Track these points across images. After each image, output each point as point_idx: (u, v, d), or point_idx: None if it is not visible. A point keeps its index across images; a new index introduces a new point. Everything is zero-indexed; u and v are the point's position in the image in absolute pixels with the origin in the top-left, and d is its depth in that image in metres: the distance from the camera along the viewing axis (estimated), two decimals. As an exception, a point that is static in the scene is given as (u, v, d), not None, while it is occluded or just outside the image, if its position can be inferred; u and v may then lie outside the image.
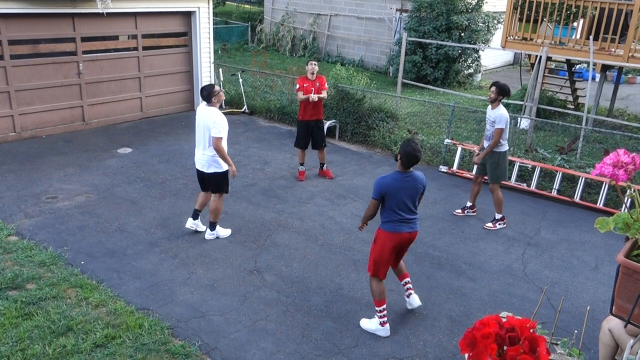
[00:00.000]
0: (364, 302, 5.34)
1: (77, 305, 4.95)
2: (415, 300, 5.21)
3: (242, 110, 12.14)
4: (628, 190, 1.99)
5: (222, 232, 6.53)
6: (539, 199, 8.27)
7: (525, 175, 8.66)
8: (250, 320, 4.95)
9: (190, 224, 6.53)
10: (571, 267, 6.27)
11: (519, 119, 10.48)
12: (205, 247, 6.23)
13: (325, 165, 8.70)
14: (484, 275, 5.97)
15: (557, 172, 8.28)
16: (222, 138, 5.93)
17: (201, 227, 6.59)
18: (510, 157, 8.74)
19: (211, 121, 5.88)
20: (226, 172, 6.23)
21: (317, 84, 8.24)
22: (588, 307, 3.12)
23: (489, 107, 7.06)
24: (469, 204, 7.49)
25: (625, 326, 1.82)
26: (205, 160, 6.11)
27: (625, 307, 1.77)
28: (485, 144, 7.10)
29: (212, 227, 6.42)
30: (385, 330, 4.87)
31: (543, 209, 7.90)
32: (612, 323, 3.44)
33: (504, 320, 1.46)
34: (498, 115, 6.83)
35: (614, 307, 1.84)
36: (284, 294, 5.40)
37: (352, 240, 6.58)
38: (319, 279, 5.68)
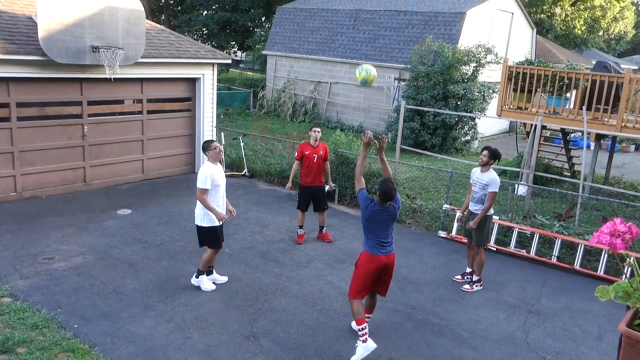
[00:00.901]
0: (363, 371, 5.19)
1: (67, 371, 4.80)
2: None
3: (243, 173, 12.27)
4: (627, 259, 2.00)
5: (207, 285, 6.63)
6: (539, 266, 8.21)
7: (524, 241, 8.65)
8: (245, 388, 4.78)
9: (209, 281, 6.75)
10: (574, 337, 6.14)
11: (516, 185, 10.58)
12: (202, 311, 6.12)
13: (324, 229, 8.69)
14: (485, 344, 5.84)
15: (556, 238, 8.27)
16: (206, 190, 6.22)
17: (220, 279, 6.85)
18: (508, 223, 8.77)
19: (198, 174, 6.30)
20: (213, 229, 6.43)
21: (321, 152, 8.36)
22: (593, 379, 3.05)
23: (477, 170, 7.14)
24: (468, 269, 7.44)
25: (631, 399, 1.78)
26: (197, 212, 6.46)
27: (630, 379, 1.74)
28: (472, 206, 7.13)
29: (198, 274, 6.65)
30: (370, 345, 5.25)
31: (543, 276, 7.83)
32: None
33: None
34: (492, 179, 6.90)
35: (618, 379, 1.81)
36: (281, 361, 5.25)
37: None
38: (317, 346, 5.55)
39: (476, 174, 7.15)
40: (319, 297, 6.64)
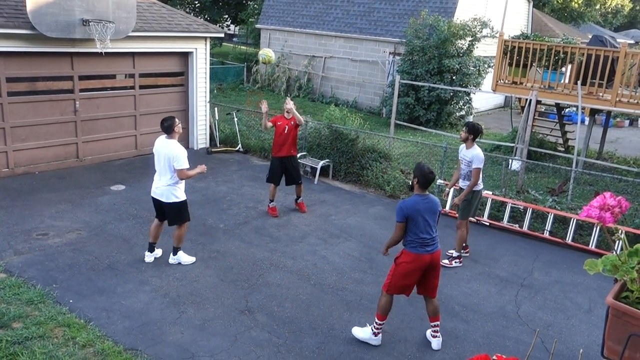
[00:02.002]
0: (357, 343, 5.26)
1: (63, 345, 4.85)
2: (436, 343, 5.32)
3: (237, 148, 12.23)
4: (616, 233, 2.02)
5: (185, 258, 6.66)
6: (531, 240, 8.29)
7: (517, 216, 8.71)
8: (240, 361, 4.85)
9: (149, 258, 6.69)
10: (564, 309, 6.24)
11: (510, 160, 10.61)
12: (197, 286, 6.16)
13: (300, 199, 8.75)
14: (477, 317, 5.93)
15: (548, 213, 8.33)
16: (186, 169, 6.19)
17: (158, 254, 6.79)
18: (501, 198, 8.82)
19: (173, 155, 6.14)
20: (184, 202, 6.42)
21: (292, 123, 8.31)
22: (581, 350, 3.11)
23: (463, 146, 7.13)
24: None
25: (616, 369, 1.81)
26: (163, 190, 6.30)
27: (616, 349, 1.77)
28: (461, 182, 7.17)
29: (175, 251, 6.63)
30: (377, 340, 5.21)
31: (535, 251, 7.91)
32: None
33: (494, 361, 1.46)
34: (475, 155, 6.89)
35: (605, 350, 1.84)
36: (276, 334, 5.32)
37: (344, 281, 6.54)
38: (311, 320, 5.61)
39: (463, 150, 7.13)
40: (313, 272, 6.70)
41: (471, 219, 8.79)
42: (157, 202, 6.47)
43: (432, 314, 5.30)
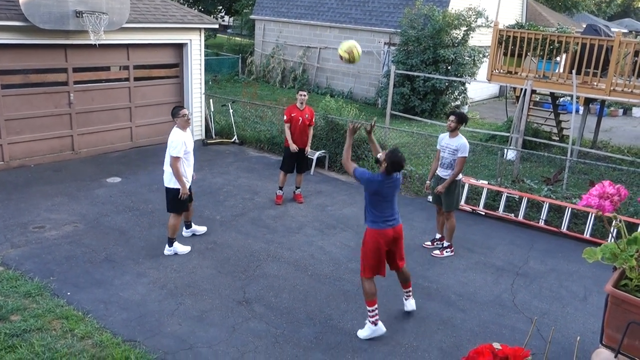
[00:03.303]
0: (354, 332, 5.29)
1: (62, 337, 4.85)
2: (410, 304, 5.63)
3: (232, 140, 12.20)
4: (614, 221, 2.04)
5: (180, 248, 6.73)
6: (526, 229, 8.34)
7: (512, 205, 8.75)
8: (238, 352, 4.88)
9: (185, 232, 7.12)
10: (560, 298, 6.29)
11: (505, 150, 10.64)
12: (194, 277, 6.17)
13: (299, 190, 8.86)
14: (473, 306, 5.97)
15: (543, 202, 8.37)
16: (178, 158, 6.31)
17: (199, 230, 7.22)
18: (497, 188, 8.85)
19: (169, 141, 6.36)
20: (178, 191, 6.49)
21: (307, 115, 8.46)
22: (578, 338, 3.14)
23: (446, 135, 7.06)
24: (437, 235, 7.46)
25: (615, 356, 1.83)
26: (166, 175, 6.55)
27: (615, 337, 1.79)
28: (442, 171, 7.09)
29: (170, 243, 6.69)
30: (379, 328, 5.19)
31: (531, 239, 7.96)
32: (602, 357, 3.44)
33: (497, 349, 1.47)
34: (461, 144, 6.86)
35: (604, 337, 1.86)
36: (273, 325, 5.34)
37: (341, 271, 6.56)
38: (309, 310, 5.64)
39: (445, 139, 7.07)
40: (310, 263, 6.72)
41: (466, 208, 8.85)
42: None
43: (403, 282, 5.56)
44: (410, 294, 5.65)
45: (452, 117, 7.01)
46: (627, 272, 1.83)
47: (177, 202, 6.53)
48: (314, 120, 8.78)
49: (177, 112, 6.46)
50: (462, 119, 6.94)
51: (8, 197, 8.14)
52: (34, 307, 5.28)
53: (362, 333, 5.21)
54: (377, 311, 5.18)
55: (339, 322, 5.46)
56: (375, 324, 5.17)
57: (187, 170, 6.57)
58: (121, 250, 6.71)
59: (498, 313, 5.85)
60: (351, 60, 6.15)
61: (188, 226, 7.17)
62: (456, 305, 5.96)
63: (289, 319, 5.46)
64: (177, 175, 6.36)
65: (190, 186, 6.67)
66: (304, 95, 8.48)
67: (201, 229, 7.28)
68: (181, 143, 6.30)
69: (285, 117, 8.49)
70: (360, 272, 5.28)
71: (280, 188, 8.67)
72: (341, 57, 6.14)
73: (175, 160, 6.30)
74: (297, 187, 8.88)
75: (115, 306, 5.48)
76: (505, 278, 6.69)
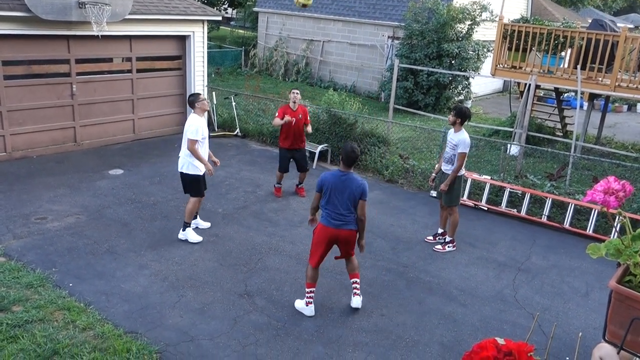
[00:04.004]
0: (355, 326, 5.30)
1: (64, 328, 4.87)
2: (355, 302, 5.54)
3: (235, 133, 12.18)
4: (619, 217, 2.02)
5: (192, 236, 6.82)
6: (529, 225, 8.32)
7: (515, 201, 8.73)
8: (240, 344, 4.89)
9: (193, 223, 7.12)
10: (562, 294, 6.28)
11: (508, 145, 10.60)
12: (196, 269, 6.18)
13: (302, 184, 8.89)
14: (475, 301, 5.96)
15: (546, 198, 8.35)
16: (196, 140, 6.46)
17: (203, 225, 7.24)
18: (500, 183, 8.83)
19: (187, 125, 6.50)
20: (196, 177, 6.67)
21: (300, 116, 8.35)
22: (580, 334, 3.13)
23: (451, 130, 7.03)
24: (440, 230, 7.44)
25: (618, 352, 1.82)
26: (181, 160, 6.66)
27: (618, 333, 1.77)
28: (443, 165, 7.08)
29: (184, 227, 6.82)
30: (309, 310, 5.41)
31: (533, 235, 7.94)
32: (604, 351, 3.43)
33: (501, 344, 1.46)
34: (461, 139, 6.79)
35: (606, 333, 1.85)
36: (275, 318, 5.35)
37: (343, 265, 6.53)
38: (310, 304, 5.64)
39: (450, 134, 7.05)
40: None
41: (468, 203, 8.83)
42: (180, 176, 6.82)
43: (350, 271, 5.61)
44: (358, 287, 5.58)
45: (452, 112, 6.98)
46: (631, 268, 1.81)
47: (195, 185, 6.71)
48: (308, 118, 8.64)
49: (197, 98, 6.64)
50: (460, 114, 6.83)
51: (10, 188, 8.14)
52: (35, 298, 5.29)
53: (298, 304, 5.51)
54: (313, 294, 5.42)
55: (340, 316, 5.47)
56: (307, 305, 5.42)
57: (205, 154, 6.72)
58: (123, 242, 6.71)
59: (499, 308, 5.85)
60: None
61: (193, 217, 7.19)
62: (457, 300, 5.95)
63: (290, 312, 5.46)
64: (197, 156, 6.53)
65: (204, 173, 6.77)
66: (297, 94, 8.33)
67: (205, 224, 7.28)
68: (199, 127, 6.48)
69: (277, 115, 8.33)
70: (309, 258, 5.49)
71: (279, 183, 8.70)
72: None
73: (192, 142, 6.45)
74: (300, 182, 8.88)
75: (117, 298, 5.49)
76: (507, 273, 6.68)
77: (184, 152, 6.61)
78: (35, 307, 5.12)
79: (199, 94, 6.82)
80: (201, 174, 6.71)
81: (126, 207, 7.81)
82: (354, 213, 5.26)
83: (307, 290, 5.44)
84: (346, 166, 5.27)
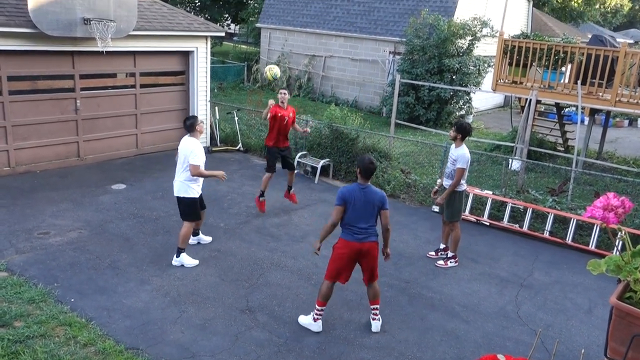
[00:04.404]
0: (358, 343, 5.28)
1: (65, 344, 4.85)
2: (375, 326, 5.51)
3: (237, 148, 12.23)
4: (619, 233, 2.03)
5: (188, 260, 6.67)
6: (531, 240, 8.30)
7: (517, 216, 8.72)
8: (241, 360, 4.86)
9: (191, 240, 7.03)
10: (565, 310, 6.25)
11: (510, 160, 10.62)
12: (197, 285, 6.17)
13: (292, 189, 8.84)
14: (477, 317, 5.94)
15: (548, 213, 8.34)
16: (199, 165, 6.40)
17: (205, 240, 7.26)
18: (502, 198, 8.83)
19: (189, 150, 6.36)
20: (194, 200, 6.57)
21: (290, 114, 8.44)
22: (582, 351, 3.12)
23: (453, 145, 7.05)
24: (442, 245, 7.43)
25: (619, 370, 1.82)
26: (178, 185, 6.53)
27: (619, 350, 1.78)
28: (445, 181, 7.10)
29: (178, 253, 6.66)
30: (317, 326, 5.38)
31: (536, 250, 7.92)
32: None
33: (500, 361, 1.47)
34: (460, 154, 6.81)
35: (608, 350, 1.85)
36: (276, 334, 5.33)
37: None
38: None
39: (451, 149, 7.08)
40: (313, 272, 6.70)
41: (470, 218, 8.83)
42: (177, 200, 6.71)
43: (371, 298, 5.51)
44: (377, 313, 5.54)
45: (453, 127, 7.00)
46: (631, 285, 1.82)
47: (192, 209, 6.60)
48: (295, 117, 8.73)
49: (195, 122, 6.50)
50: (461, 130, 6.86)
51: (14, 202, 8.17)
52: (37, 314, 5.29)
53: (302, 319, 5.48)
54: (322, 312, 5.39)
55: (342, 332, 5.45)
56: (315, 321, 5.39)
57: (200, 179, 6.62)
58: (125, 257, 6.72)
59: (502, 325, 5.82)
60: (270, 78, 7.40)
61: (195, 234, 7.18)
62: (460, 316, 5.93)
63: (292, 328, 5.44)
64: (206, 175, 6.53)
65: (201, 194, 6.72)
66: (285, 94, 8.30)
67: (207, 239, 7.29)
68: (202, 152, 6.45)
69: (268, 114, 8.22)
70: (325, 275, 5.40)
71: (263, 193, 8.46)
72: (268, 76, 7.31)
73: (195, 168, 6.36)
74: (290, 187, 8.82)
75: (118, 313, 5.49)
76: (510, 289, 6.65)
77: (181, 175, 6.48)
78: (36, 322, 5.12)
79: (195, 117, 6.69)
80: (197, 196, 6.60)
81: (128, 221, 7.83)
82: (375, 225, 5.24)
83: (317, 307, 5.38)
84: (365, 179, 5.19)
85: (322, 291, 5.35)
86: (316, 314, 5.39)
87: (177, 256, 6.62)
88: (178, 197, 6.58)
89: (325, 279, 5.37)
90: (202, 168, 6.50)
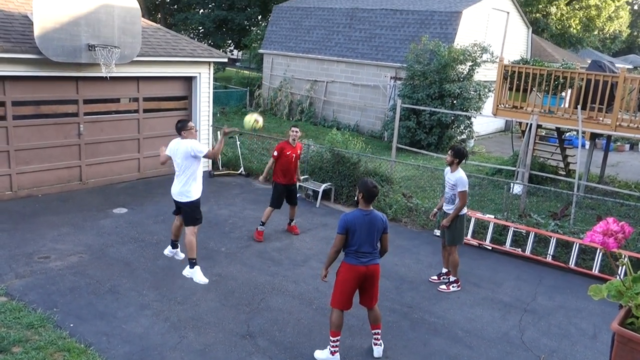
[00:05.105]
0: (359, 369, 5.21)
1: (63, 370, 4.80)
2: (377, 352, 5.45)
3: (239, 172, 12.27)
4: (620, 259, 2.02)
5: (199, 276, 6.70)
6: (534, 264, 8.25)
7: (519, 240, 8.68)
8: (241, 387, 4.80)
9: (168, 251, 7.05)
10: (569, 335, 6.18)
11: (511, 184, 10.62)
12: (198, 310, 6.12)
13: (293, 222, 8.87)
14: (480, 343, 5.87)
15: (551, 237, 8.31)
16: (207, 151, 6.59)
17: (180, 255, 7.06)
18: (504, 222, 8.80)
19: (190, 147, 6.41)
20: (196, 201, 6.60)
21: (298, 151, 8.59)
22: (587, 377, 3.07)
23: (448, 169, 7.06)
24: (444, 270, 7.38)
25: (623, 397, 1.80)
26: (179, 189, 6.58)
27: (623, 377, 1.76)
28: (445, 206, 7.09)
29: (192, 264, 6.72)
30: (335, 359, 5.22)
31: (539, 275, 7.86)
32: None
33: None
34: (458, 178, 6.83)
35: (611, 377, 1.83)
36: (277, 360, 5.27)
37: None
38: (313, 345, 5.56)
39: (447, 173, 7.09)
40: (315, 296, 6.66)
41: (472, 242, 8.79)
42: (175, 202, 6.74)
43: (372, 322, 5.46)
44: (379, 337, 5.50)
45: (449, 152, 7.01)
46: (633, 310, 1.81)
47: (197, 211, 6.66)
48: (301, 153, 8.89)
49: (185, 125, 6.56)
50: (458, 154, 6.89)
51: (15, 226, 8.17)
52: (36, 339, 5.24)
53: (319, 354, 5.30)
54: (338, 343, 5.24)
55: (343, 358, 5.38)
56: (333, 355, 5.23)
57: (199, 177, 6.70)
58: (125, 282, 6.68)
59: (506, 350, 5.75)
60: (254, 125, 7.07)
61: (174, 246, 7.10)
62: (463, 342, 5.86)
63: (293, 354, 5.38)
64: (219, 148, 6.62)
65: (176, 200, 6.73)
66: (297, 132, 8.46)
67: (181, 255, 7.15)
68: (199, 142, 6.51)
69: (275, 153, 8.43)
70: (331, 303, 5.32)
71: (263, 224, 8.47)
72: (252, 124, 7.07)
73: (209, 153, 6.59)
74: (292, 220, 8.86)
75: (117, 339, 5.44)
76: (513, 314, 6.59)
77: (181, 179, 6.54)
78: (35, 348, 5.07)
79: (187, 120, 6.78)
80: (198, 197, 6.64)
81: (129, 246, 7.81)
82: (377, 249, 5.24)
83: (331, 339, 5.23)
84: (367, 203, 5.17)
85: (333, 321, 5.23)
86: (332, 347, 5.24)
87: (191, 267, 6.70)
88: (180, 203, 6.63)
89: (333, 307, 5.27)
90: (196, 165, 6.56)
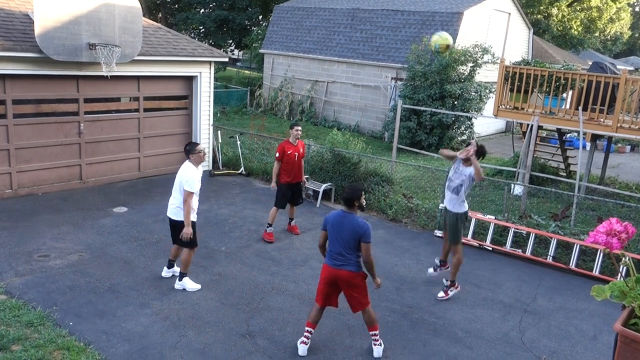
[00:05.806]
0: (359, 369, 5.20)
1: (62, 369, 4.79)
2: (376, 352, 5.44)
3: (239, 171, 12.26)
4: (623, 259, 2.01)
5: (190, 285, 6.59)
6: (534, 265, 8.24)
7: (520, 241, 8.67)
8: (241, 387, 4.79)
9: (165, 272, 6.86)
10: (569, 336, 6.17)
11: (512, 185, 10.61)
12: (197, 309, 6.11)
13: (293, 221, 8.87)
14: (481, 343, 5.86)
15: (551, 238, 8.29)
16: (193, 193, 6.27)
17: (177, 270, 6.81)
18: (504, 223, 8.79)
19: (184, 177, 6.27)
20: (192, 224, 6.40)
21: (301, 150, 8.55)
22: (588, 378, 3.06)
23: (459, 162, 6.89)
24: (437, 260, 7.32)
25: (626, 397, 1.78)
26: (174, 209, 6.42)
27: (625, 378, 1.74)
28: (450, 195, 6.91)
29: (181, 277, 6.57)
30: (301, 349, 5.35)
31: (539, 276, 7.85)
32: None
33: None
34: (472, 170, 6.71)
35: (613, 377, 1.82)
36: (276, 359, 5.25)
37: (346, 305, 6.44)
38: (313, 344, 5.54)
39: (460, 166, 6.88)
40: (315, 296, 6.63)
41: (473, 243, 8.78)
42: (170, 222, 6.55)
43: (366, 324, 5.46)
44: (378, 338, 5.45)
45: (473, 148, 6.77)
46: (636, 311, 1.80)
47: (192, 235, 6.40)
48: (304, 152, 8.82)
49: (194, 148, 6.38)
50: (480, 151, 6.79)
51: (15, 225, 8.16)
52: (35, 337, 5.23)
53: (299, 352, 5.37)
54: (309, 334, 5.39)
55: (343, 358, 5.37)
56: (300, 344, 5.39)
57: (195, 205, 6.47)
58: (125, 281, 6.67)
59: (506, 351, 5.74)
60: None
61: (170, 265, 6.88)
62: (463, 342, 5.85)
63: (292, 354, 5.37)
64: (188, 211, 6.24)
65: (170, 219, 6.54)
66: (299, 131, 8.44)
67: (178, 269, 6.83)
68: (197, 180, 6.29)
69: (277, 155, 8.40)
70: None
71: (270, 225, 8.46)
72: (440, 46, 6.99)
73: (189, 195, 6.21)
74: (292, 219, 8.86)
75: (117, 337, 5.43)
76: (513, 315, 6.58)
77: (175, 201, 6.38)
78: (34, 346, 5.06)
79: (196, 144, 6.56)
80: (195, 220, 6.47)
81: (129, 244, 7.80)
82: (355, 254, 5.17)
83: (306, 327, 5.43)
84: (345, 206, 5.28)
85: (310, 312, 5.46)
86: (304, 336, 5.40)
87: (180, 280, 6.56)
88: (174, 221, 6.43)
89: (315, 300, 5.47)
90: (196, 197, 6.36)
